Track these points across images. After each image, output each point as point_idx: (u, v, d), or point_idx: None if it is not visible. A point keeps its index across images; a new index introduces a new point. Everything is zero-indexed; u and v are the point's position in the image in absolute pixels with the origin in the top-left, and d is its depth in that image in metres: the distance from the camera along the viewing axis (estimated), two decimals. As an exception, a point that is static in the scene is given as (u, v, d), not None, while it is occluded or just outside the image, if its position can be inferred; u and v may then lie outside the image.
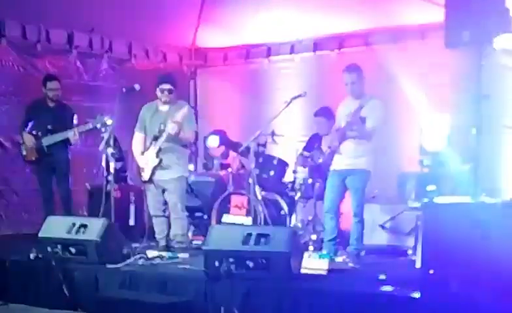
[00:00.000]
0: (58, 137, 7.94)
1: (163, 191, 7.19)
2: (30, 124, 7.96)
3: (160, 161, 7.05)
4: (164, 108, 7.18)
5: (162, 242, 7.21)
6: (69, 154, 8.16)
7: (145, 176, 7.14)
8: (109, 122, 7.12)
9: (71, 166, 8.23)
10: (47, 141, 7.94)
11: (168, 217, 7.24)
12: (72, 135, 7.88)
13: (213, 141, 9.36)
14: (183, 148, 7.22)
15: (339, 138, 6.67)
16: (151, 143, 7.14)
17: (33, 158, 8.01)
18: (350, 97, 6.73)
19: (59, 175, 8.12)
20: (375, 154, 6.71)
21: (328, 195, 6.83)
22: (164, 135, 7.02)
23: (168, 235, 7.23)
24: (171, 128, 6.95)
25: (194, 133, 7.43)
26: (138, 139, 7.29)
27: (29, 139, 7.94)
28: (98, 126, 7.38)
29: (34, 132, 7.95)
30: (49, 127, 7.96)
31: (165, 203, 7.22)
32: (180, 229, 7.17)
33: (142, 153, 7.21)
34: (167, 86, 7.12)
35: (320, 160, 7.10)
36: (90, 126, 7.70)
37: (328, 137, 6.91)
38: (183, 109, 7.04)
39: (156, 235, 7.28)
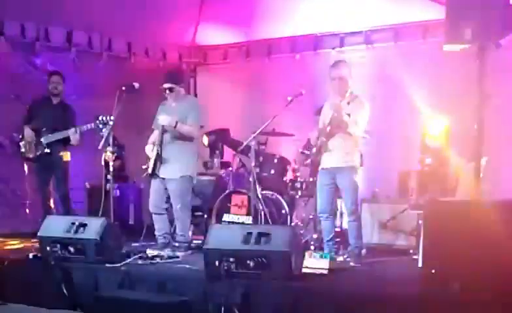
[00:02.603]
0: (58, 135, 7.92)
1: (166, 188, 7.16)
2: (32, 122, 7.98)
3: (158, 154, 7.03)
4: (173, 104, 7.24)
5: (161, 240, 7.17)
6: (69, 153, 8.13)
7: (149, 169, 7.15)
8: (111, 122, 7.10)
9: (70, 165, 8.22)
10: (47, 138, 7.92)
11: (167, 214, 7.21)
12: (73, 133, 7.85)
13: (204, 140, 9.39)
14: (186, 143, 7.14)
15: (326, 135, 6.61)
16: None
17: (31, 155, 7.99)
18: (336, 95, 6.65)
19: (57, 174, 8.10)
20: (361, 151, 6.64)
21: (320, 195, 6.74)
22: (162, 129, 7.05)
23: (167, 233, 7.20)
24: (162, 119, 7.02)
25: (199, 127, 7.21)
26: (153, 135, 7.31)
27: (29, 135, 7.92)
28: (101, 126, 7.34)
29: (35, 128, 7.93)
30: (50, 125, 7.95)
31: (167, 200, 7.19)
32: (180, 229, 7.15)
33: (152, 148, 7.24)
34: (167, 85, 7.17)
35: (308, 161, 7.02)
36: (92, 126, 7.65)
37: (315, 134, 6.80)
38: (185, 102, 7.10)
39: (155, 232, 7.24)
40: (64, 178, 8.14)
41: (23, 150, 8.01)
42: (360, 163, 6.61)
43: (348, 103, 6.43)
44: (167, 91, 7.14)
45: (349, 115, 6.43)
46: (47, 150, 7.94)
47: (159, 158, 7.08)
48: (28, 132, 7.96)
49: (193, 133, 7.14)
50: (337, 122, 6.45)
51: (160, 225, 7.21)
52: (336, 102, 6.49)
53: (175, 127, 7.00)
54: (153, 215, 7.24)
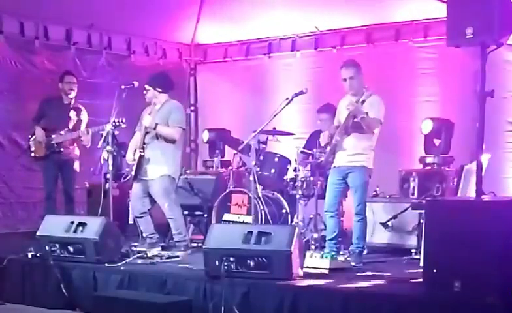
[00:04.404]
0: (69, 135, 7.88)
1: (146, 191, 7.11)
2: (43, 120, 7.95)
3: (141, 156, 7.01)
4: (157, 106, 7.19)
5: (149, 240, 7.14)
6: (76, 153, 8.10)
7: (132, 173, 7.11)
8: (123, 125, 7.02)
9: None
10: (57, 138, 7.88)
11: (150, 214, 7.20)
12: (84, 134, 7.83)
13: (204, 137, 9.39)
14: (165, 145, 7.07)
15: (341, 134, 6.59)
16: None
17: (41, 154, 7.95)
18: (349, 94, 6.65)
19: (66, 173, 8.06)
20: (374, 151, 6.63)
21: (328, 193, 6.76)
22: (144, 130, 7.04)
23: (153, 233, 7.18)
24: (145, 121, 7.00)
25: (180, 130, 7.11)
26: (133, 140, 7.27)
27: (40, 134, 7.88)
28: (113, 129, 7.17)
29: (46, 128, 7.89)
30: (62, 124, 7.90)
31: (151, 201, 7.14)
32: (175, 228, 7.12)
33: (135, 151, 7.18)
34: (146, 87, 7.18)
35: (322, 159, 7.02)
36: (104, 128, 7.48)
37: (326, 134, 6.81)
38: (167, 105, 7.09)
39: (143, 234, 7.20)
40: (71, 177, 8.10)
41: (32, 149, 7.97)
42: (372, 164, 6.60)
43: (363, 101, 6.41)
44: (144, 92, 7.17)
45: (366, 113, 6.41)
46: (57, 149, 7.90)
47: (142, 160, 7.04)
48: (39, 131, 7.91)
49: (174, 135, 7.05)
50: (353, 122, 6.43)
51: (144, 227, 7.19)
52: (352, 102, 6.46)
53: (154, 128, 6.98)
54: (136, 219, 7.22)
